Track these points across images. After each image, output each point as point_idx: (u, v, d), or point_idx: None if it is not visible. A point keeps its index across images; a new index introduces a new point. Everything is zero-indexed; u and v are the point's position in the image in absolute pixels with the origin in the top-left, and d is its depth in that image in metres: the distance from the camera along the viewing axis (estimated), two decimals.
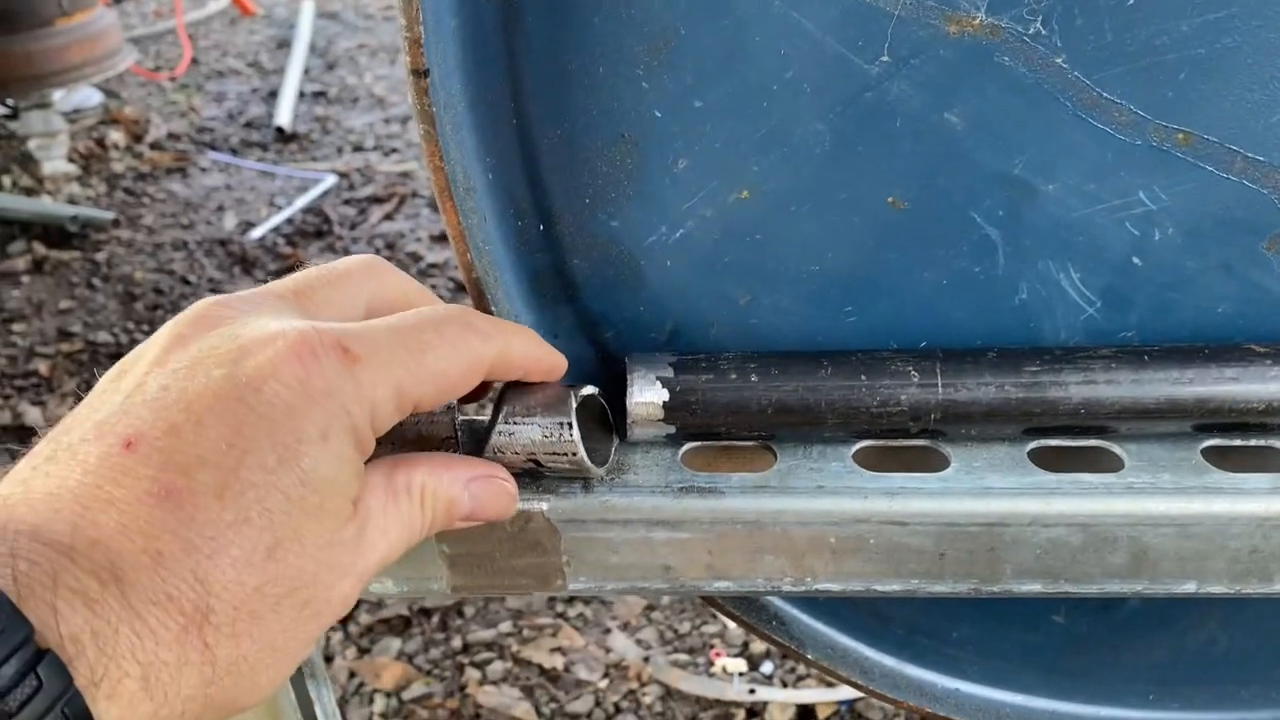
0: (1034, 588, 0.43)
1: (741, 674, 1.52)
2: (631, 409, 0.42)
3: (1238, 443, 0.44)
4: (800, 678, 1.51)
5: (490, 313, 0.43)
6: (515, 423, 0.39)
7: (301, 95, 3.44)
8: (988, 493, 0.42)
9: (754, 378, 0.42)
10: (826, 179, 0.41)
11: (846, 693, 1.47)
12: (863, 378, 0.42)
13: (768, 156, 0.41)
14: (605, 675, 1.53)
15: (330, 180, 2.80)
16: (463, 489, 0.36)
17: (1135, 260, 0.43)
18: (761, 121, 0.40)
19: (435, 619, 1.63)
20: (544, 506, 0.42)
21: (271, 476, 0.30)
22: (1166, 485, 0.42)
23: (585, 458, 0.39)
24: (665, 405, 0.42)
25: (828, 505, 0.42)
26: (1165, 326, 0.45)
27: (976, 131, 0.40)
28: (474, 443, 0.40)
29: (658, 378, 0.42)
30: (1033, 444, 0.44)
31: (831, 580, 0.43)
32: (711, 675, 1.52)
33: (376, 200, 2.75)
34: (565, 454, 0.39)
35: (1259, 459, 0.44)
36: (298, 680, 0.50)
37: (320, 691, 0.54)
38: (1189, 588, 0.43)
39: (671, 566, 0.43)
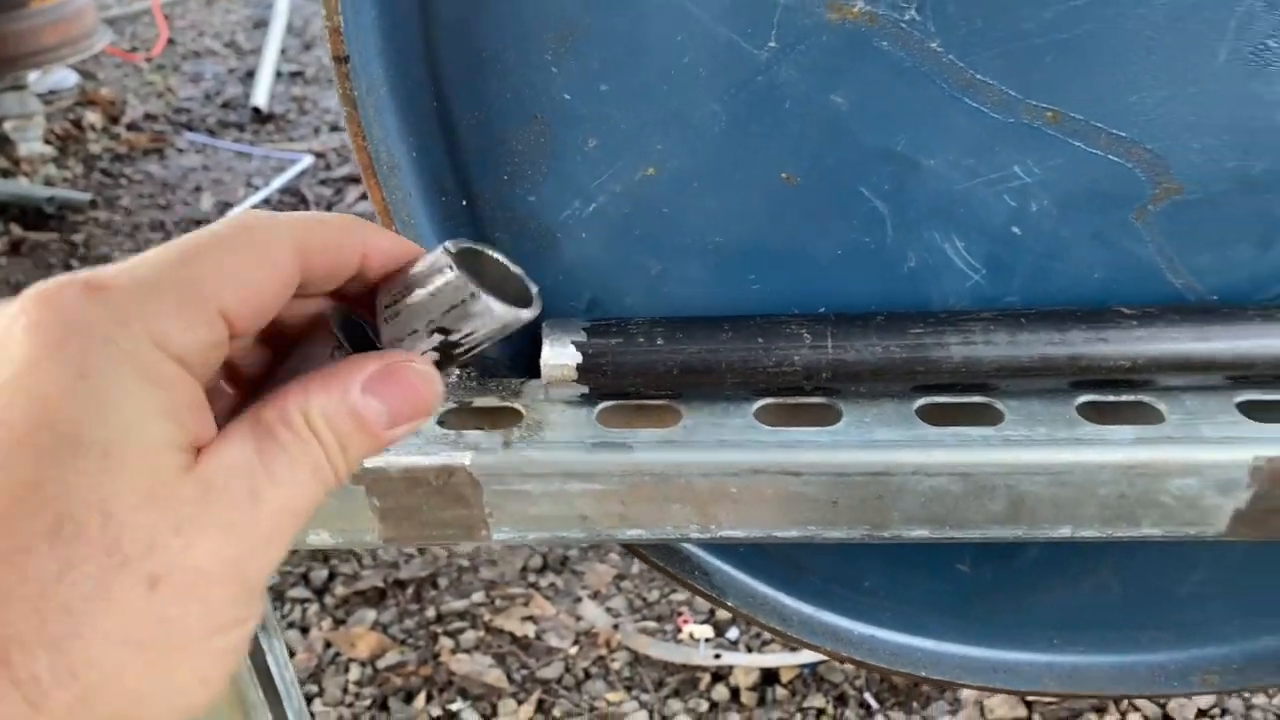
0: (921, 533, 0.47)
1: (708, 640, 1.56)
2: (546, 370, 0.45)
3: (1110, 398, 0.47)
4: (765, 643, 1.55)
5: None
6: (396, 299, 0.32)
7: (278, 75, 3.45)
8: (874, 445, 0.45)
9: (660, 341, 0.46)
10: (724, 157, 0.45)
11: (809, 656, 1.52)
12: (760, 340, 0.46)
13: (670, 136, 0.44)
14: (575, 642, 1.57)
15: (307, 160, 2.82)
16: (359, 396, 0.30)
17: (1015, 230, 0.46)
18: (663, 104, 0.43)
19: (410, 590, 1.66)
20: (466, 461, 0.45)
21: (25, 436, 0.24)
22: (1041, 437, 0.45)
23: (493, 298, 0.32)
24: (579, 367, 0.45)
25: (728, 457, 0.45)
26: (1045, 292, 0.48)
27: (860, 112, 0.43)
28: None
29: (571, 341, 0.45)
30: (920, 400, 0.47)
31: (735, 528, 0.47)
32: (679, 641, 1.57)
33: (353, 180, 2.77)
34: (465, 303, 0.32)
35: (1129, 413, 0.47)
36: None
37: (272, 643, 0.57)
38: (1064, 532, 0.47)
39: (588, 516, 0.47)
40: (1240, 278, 0.48)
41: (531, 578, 1.68)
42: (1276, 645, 0.62)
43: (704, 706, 1.46)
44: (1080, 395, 0.48)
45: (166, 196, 2.77)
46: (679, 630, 1.58)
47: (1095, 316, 0.46)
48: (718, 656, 1.53)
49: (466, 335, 0.33)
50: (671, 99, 0.43)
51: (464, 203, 0.46)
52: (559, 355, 0.45)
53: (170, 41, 3.72)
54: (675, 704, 1.47)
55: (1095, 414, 0.47)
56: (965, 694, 1.45)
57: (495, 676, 1.52)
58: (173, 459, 0.26)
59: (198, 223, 2.61)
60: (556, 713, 1.47)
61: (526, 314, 0.34)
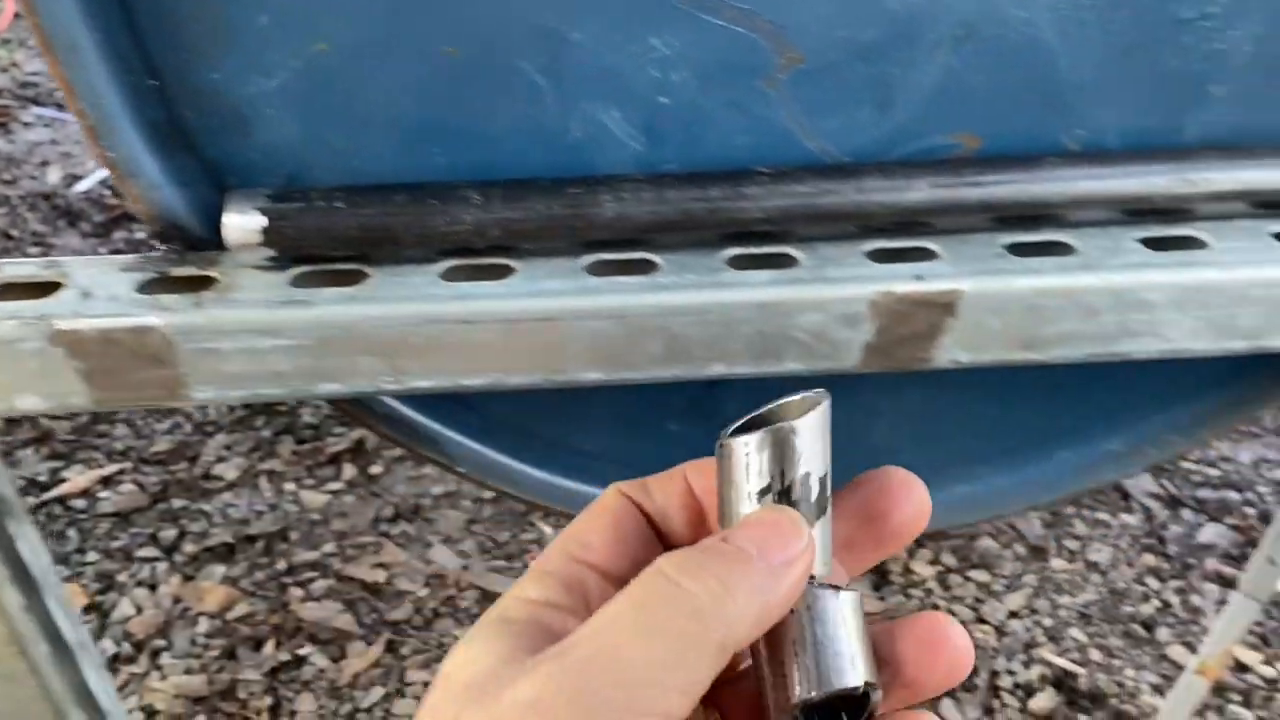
0: (595, 375, 0.52)
1: None
2: (228, 234, 0.49)
3: (754, 250, 0.53)
4: None
5: (110, 159, 0.50)
6: None
7: None
8: (542, 294, 0.50)
9: (340, 204, 0.50)
10: (389, 31, 0.49)
11: None
12: (433, 202, 0.50)
13: (336, 12, 0.48)
14: (426, 585, 1.61)
15: None
16: None
17: (662, 100, 0.52)
18: None
19: (260, 544, 1.67)
20: (158, 321, 0.48)
21: None
22: (688, 282, 0.51)
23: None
24: (263, 231, 0.49)
25: (408, 309, 0.49)
26: (699, 158, 0.54)
27: None
28: None
29: (254, 207, 0.49)
30: (588, 258, 0.52)
31: (425, 377, 0.51)
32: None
33: None
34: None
35: (771, 262, 0.53)
36: None
37: (22, 529, 0.60)
38: (718, 369, 0.53)
39: (282, 372, 0.51)
40: (868, 140, 0.54)
41: (383, 527, 1.71)
42: (966, 491, 0.70)
43: None
44: (729, 248, 0.53)
45: (12, 171, 2.68)
46: (526, 567, 1.63)
47: (735, 175, 0.52)
48: None
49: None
50: None
51: (151, 81, 0.49)
52: (242, 221, 0.49)
53: (16, 16, 3.57)
54: None
55: (740, 264, 0.53)
56: None
57: (344, 621, 1.55)
58: None
59: (44, 196, 2.54)
60: (405, 651, 1.51)
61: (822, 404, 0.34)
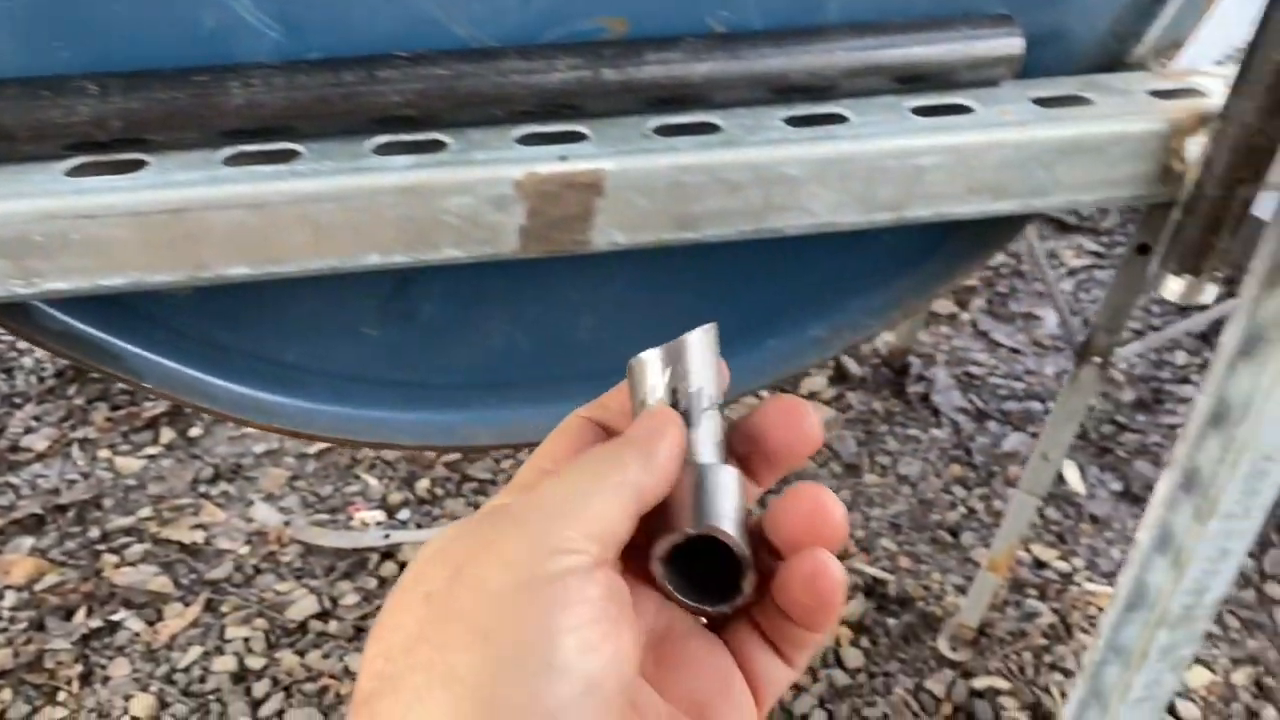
0: (241, 270, 0.52)
1: (379, 523, 1.61)
2: None
3: (403, 138, 0.53)
4: (435, 519, 1.61)
5: None
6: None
7: None
8: (170, 185, 0.49)
9: None
10: None
11: None
12: (46, 94, 0.48)
13: None
14: (247, 542, 1.58)
15: None
16: None
17: None
18: None
19: (71, 513, 1.62)
20: None
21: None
22: (327, 169, 0.51)
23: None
24: None
25: (24, 206, 0.48)
26: (344, 46, 0.53)
27: None
28: None
29: None
30: (228, 150, 0.52)
31: (58, 279, 0.50)
32: (350, 528, 1.60)
33: None
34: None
35: (420, 148, 0.53)
36: None
37: None
38: (373, 260, 0.53)
39: None
40: (513, 25, 0.54)
41: (202, 488, 1.66)
42: None
43: (373, 584, 1.51)
44: (377, 136, 0.53)
45: None
46: (351, 519, 1.61)
47: (371, 59, 0.51)
48: (387, 537, 1.57)
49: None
50: None
51: None
52: None
53: None
54: (344, 585, 1.51)
55: (388, 150, 0.52)
56: None
57: (160, 583, 1.51)
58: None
59: None
60: (225, 609, 1.48)
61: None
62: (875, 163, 0.55)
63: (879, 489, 1.61)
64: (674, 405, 0.38)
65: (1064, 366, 1.85)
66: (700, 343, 0.39)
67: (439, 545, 0.33)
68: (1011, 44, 0.57)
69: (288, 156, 0.52)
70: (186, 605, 1.48)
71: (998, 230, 0.68)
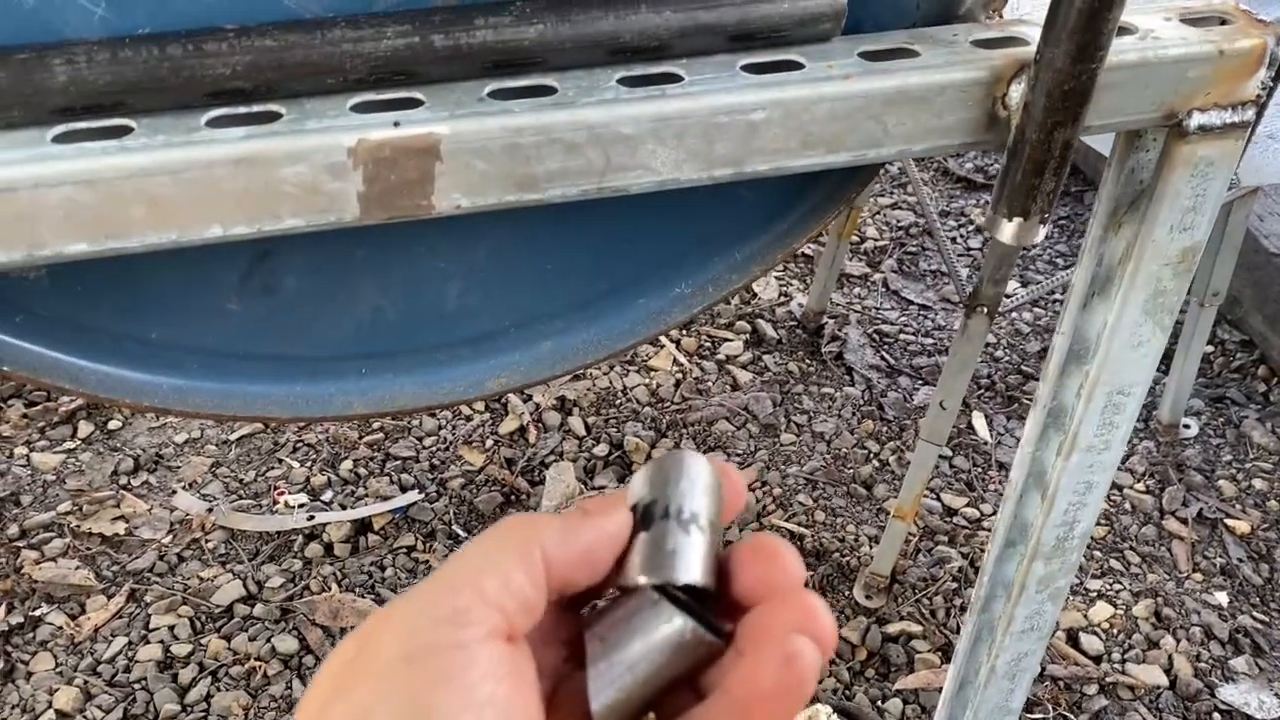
0: (80, 247, 0.52)
1: (302, 505, 1.61)
2: None
3: (240, 110, 0.54)
4: (359, 499, 1.61)
5: None
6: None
7: None
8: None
9: None
10: None
11: (401, 501, 1.60)
12: None
13: None
14: (170, 531, 1.57)
15: None
16: None
17: None
18: None
19: None
20: None
21: None
22: (159, 143, 0.51)
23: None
24: None
25: None
26: (174, 21, 0.53)
27: None
28: None
29: None
30: (57, 129, 0.52)
31: None
32: (275, 512, 1.60)
33: None
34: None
35: (253, 120, 0.54)
36: None
37: None
38: (215, 232, 0.53)
39: None
40: None
41: (123, 480, 1.65)
42: (553, 346, 0.73)
43: (298, 565, 1.52)
44: (211, 110, 0.54)
45: None
46: (275, 503, 1.61)
47: (199, 33, 0.52)
48: (311, 518, 1.58)
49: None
50: None
51: None
52: None
53: None
54: (270, 568, 1.51)
55: (222, 123, 0.53)
56: (544, 509, 1.58)
57: (82, 576, 1.50)
58: None
59: None
60: (149, 598, 1.48)
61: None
62: (708, 119, 0.56)
63: (795, 448, 1.65)
64: (648, 512, 0.35)
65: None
66: (684, 462, 0.36)
67: (376, 613, 0.32)
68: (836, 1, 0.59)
69: (119, 133, 0.52)
70: (109, 597, 1.48)
71: (848, 181, 0.70)
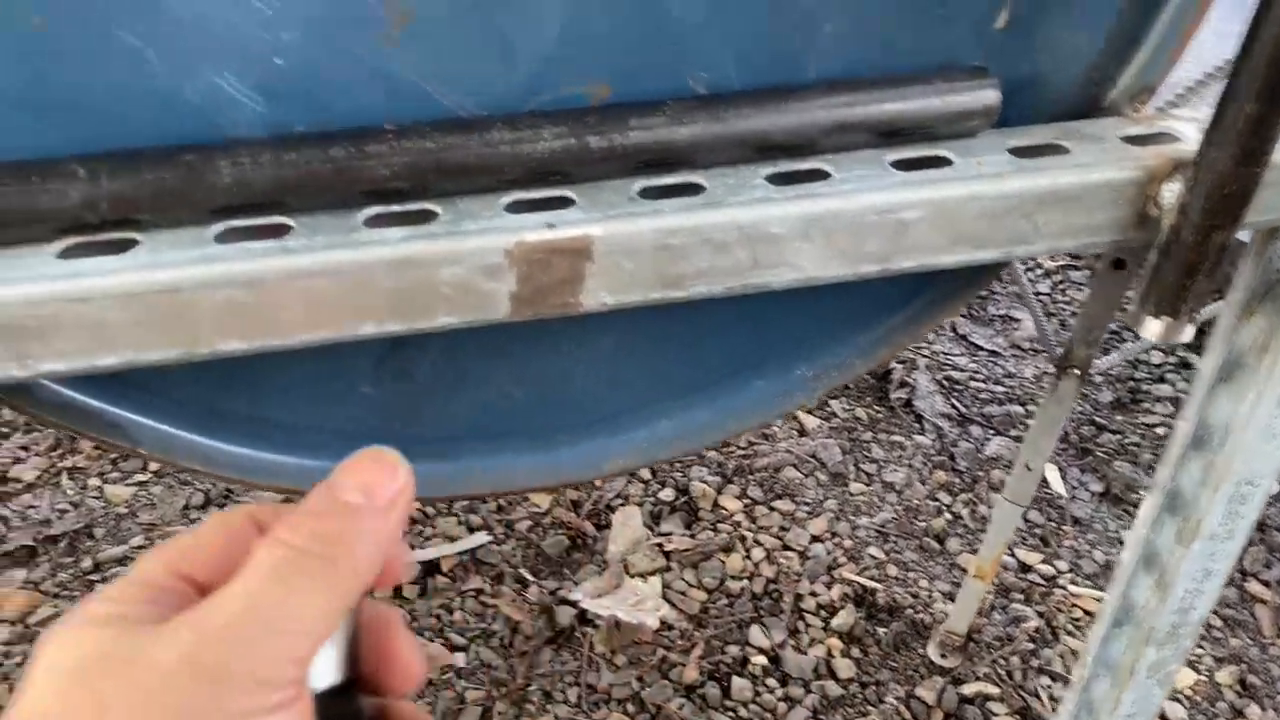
0: (235, 345, 0.52)
1: None
2: None
3: (395, 209, 0.54)
4: (428, 539, 1.61)
5: None
6: None
7: None
8: (159, 265, 0.49)
9: None
10: None
11: (469, 543, 1.60)
12: (35, 179, 0.49)
13: None
14: None
15: None
16: None
17: (278, 60, 0.51)
18: None
19: (63, 544, 1.61)
20: None
21: None
22: (319, 244, 0.51)
23: None
24: None
25: (16, 292, 0.48)
26: (331, 119, 0.53)
27: None
28: None
29: None
30: (217, 226, 0.52)
31: (53, 360, 0.50)
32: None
33: None
34: None
35: (412, 218, 0.54)
36: None
37: None
38: (369, 329, 0.53)
39: None
40: (498, 94, 0.55)
41: (194, 515, 1.66)
42: (670, 425, 0.73)
43: None
44: (368, 208, 0.54)
45: None
46: None
47: (359, 133, 0.52)
48: None
49: None
50: None
51: None
52: None
53: None
54: None
55: (377, 223, 0.53)
56: (611, 553, 1.57)
57: None
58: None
59: None
60: None
61: None
62: (859, 218, 0.56)
63: (865, 498, 1.63)
64: None
65: (1043, 368, 1.87)
66: None
67: (73, 655, 0.31)
68: (988, 96, 0.58)
69: (279, 231, 0.52)
70: None
71: (982, 270, 0.69)
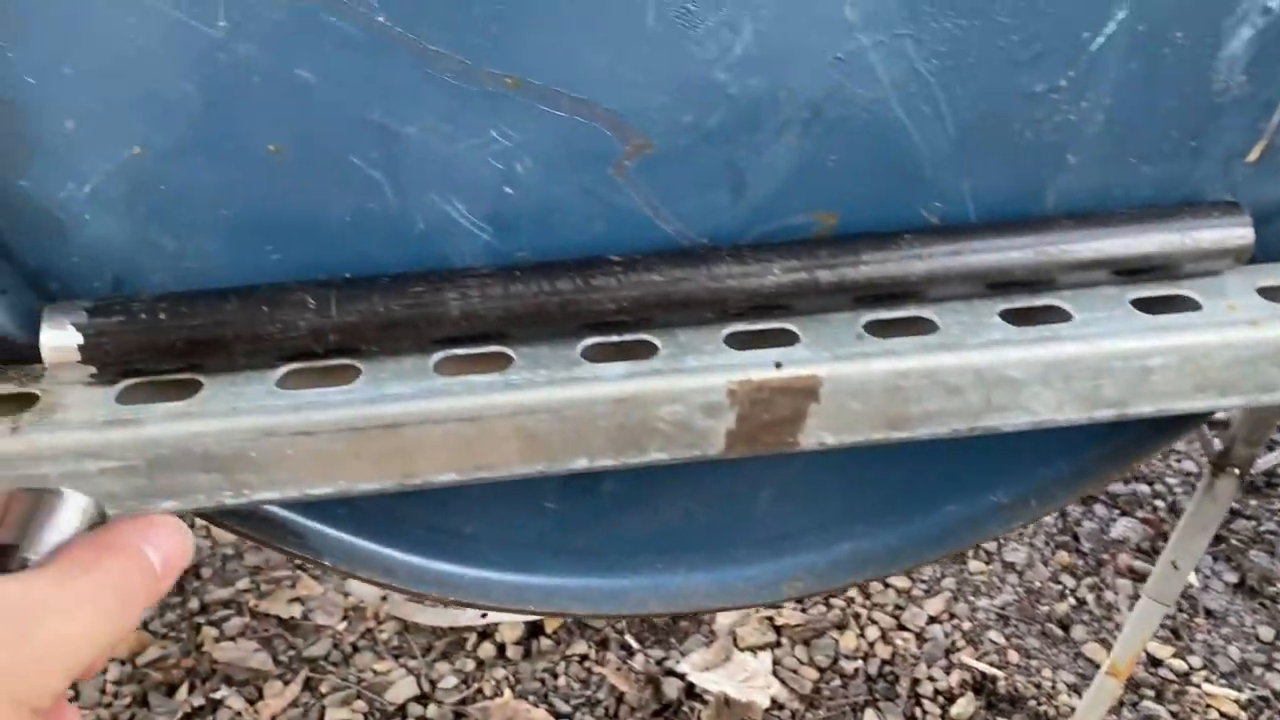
0: (450, 477, 0.50)
1: None
2: (45, 354, 0.46)
3: (613, 339, 0.52)
4: None
5: None
6: None
7: None
8: (384, 399, 0.48)
9: (164, 316, 0.47)
10: (208, 132, 0.46)
11: None
12: (265, 309, 0.47)
13: (147, 115, 0.45)
14: (344, 618, 1.58)
15: None
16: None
17: (508, 190, 0.50)
18: (131, 84, 0.44)
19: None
20: None
21: None
22: (541, 379, 0.49)
23: None
24: (80, 348, 0.46)
25: (241, 423, 0.47)
26: (553, 245, 0.52)
27: (328, 84, 0.45)
28: None
29: (71, 323, 0.46)
30: (438, 355, 0.50)
31: (267, 489, 0.49)
32: (446, 606, 1.59)
33: None
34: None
35: (629, 350, 0.51)
36: None
37: None
38: (581, 464, 0.51)
39: (115, 493, 0.48)
40: (723, 222, 0.53)
41: (298, 559, 1.66)
42: (853, 549, 0.69)
43: (470, 665, 1.50)
44: (585, 339, 0.52)
45: None
46: None
47: (585, 265, 0.50)
48: (484, 616, 1.56)
49: None
50: (138, 79, 0.44)
51: None
52: (58, 338, 0.46)
53: None
54: (443, 666, 1.50)
55: (598, 355, 0.51)
56: (720, 625, 1.54)
57: (260, 660, 1.51)
58: None
59: None
60: (324, 689, 1.48)
61: None
62: (1101, 364, 0.52)
63: (984, 577, 1.57)
64: None
65: (1174, 448, 1.80)
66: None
67: None
68: (1240, 234, 0.54)
69: (500, 362, 0.50)
70: (286, 684, 1.48)
71: None
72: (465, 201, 0.50)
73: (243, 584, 1.62)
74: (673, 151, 0.50)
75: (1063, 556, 1.60)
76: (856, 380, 0.51)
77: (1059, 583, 1.56)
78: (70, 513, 0.35)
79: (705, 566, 0.68)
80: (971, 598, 1.54)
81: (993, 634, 1.49)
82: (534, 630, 1.55)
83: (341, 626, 1.56)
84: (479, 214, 0.50)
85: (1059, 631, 1.50)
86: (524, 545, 0.65)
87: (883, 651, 1.46)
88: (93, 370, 0.47)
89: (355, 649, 1.53)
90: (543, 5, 0.45)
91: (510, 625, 1.54)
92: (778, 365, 0.50)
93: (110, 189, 0.47)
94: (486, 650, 1.52)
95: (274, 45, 0.44)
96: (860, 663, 1.45)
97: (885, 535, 0.69)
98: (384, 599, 1.60)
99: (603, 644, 1.52)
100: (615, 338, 0.52)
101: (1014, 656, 1.46)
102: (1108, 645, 1.49)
